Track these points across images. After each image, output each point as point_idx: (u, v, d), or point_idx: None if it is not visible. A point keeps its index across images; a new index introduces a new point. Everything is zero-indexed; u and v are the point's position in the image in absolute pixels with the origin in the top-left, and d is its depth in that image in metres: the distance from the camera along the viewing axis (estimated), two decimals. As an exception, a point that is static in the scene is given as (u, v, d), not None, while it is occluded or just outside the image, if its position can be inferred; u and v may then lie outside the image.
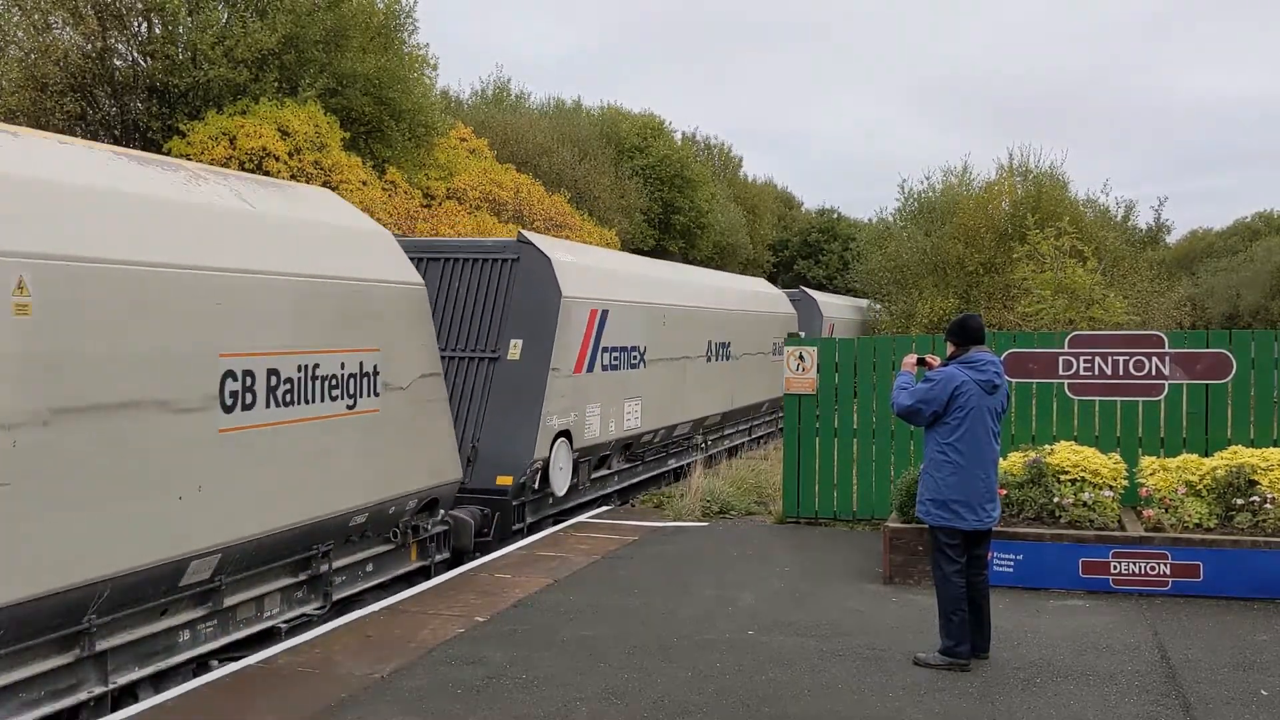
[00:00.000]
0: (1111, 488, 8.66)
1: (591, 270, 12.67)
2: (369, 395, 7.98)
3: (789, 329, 20.09)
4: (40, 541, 5.34)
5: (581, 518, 11.68)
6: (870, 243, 32.48)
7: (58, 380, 5.44)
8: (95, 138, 19.33)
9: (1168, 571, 8.09)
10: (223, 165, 17.46)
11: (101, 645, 5.88)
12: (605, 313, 12.31)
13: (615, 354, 12.73)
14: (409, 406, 8.55)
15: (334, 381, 7.57)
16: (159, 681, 6.32)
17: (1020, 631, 7.17)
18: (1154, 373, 9.96)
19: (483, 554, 9.69)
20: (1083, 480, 8.65)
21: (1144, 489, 8.78)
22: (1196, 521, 8.36)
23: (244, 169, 17.84)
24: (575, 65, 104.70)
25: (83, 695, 5.80)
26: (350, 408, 7.76)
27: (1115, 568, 8.16)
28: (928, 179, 37.69)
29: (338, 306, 7.69)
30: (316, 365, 7.39)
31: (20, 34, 19.47)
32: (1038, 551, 8.28)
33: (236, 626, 6.97)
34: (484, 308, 11.27)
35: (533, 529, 10.88)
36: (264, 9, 20.10)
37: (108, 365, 5.74)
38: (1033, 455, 8.90)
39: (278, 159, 18.66)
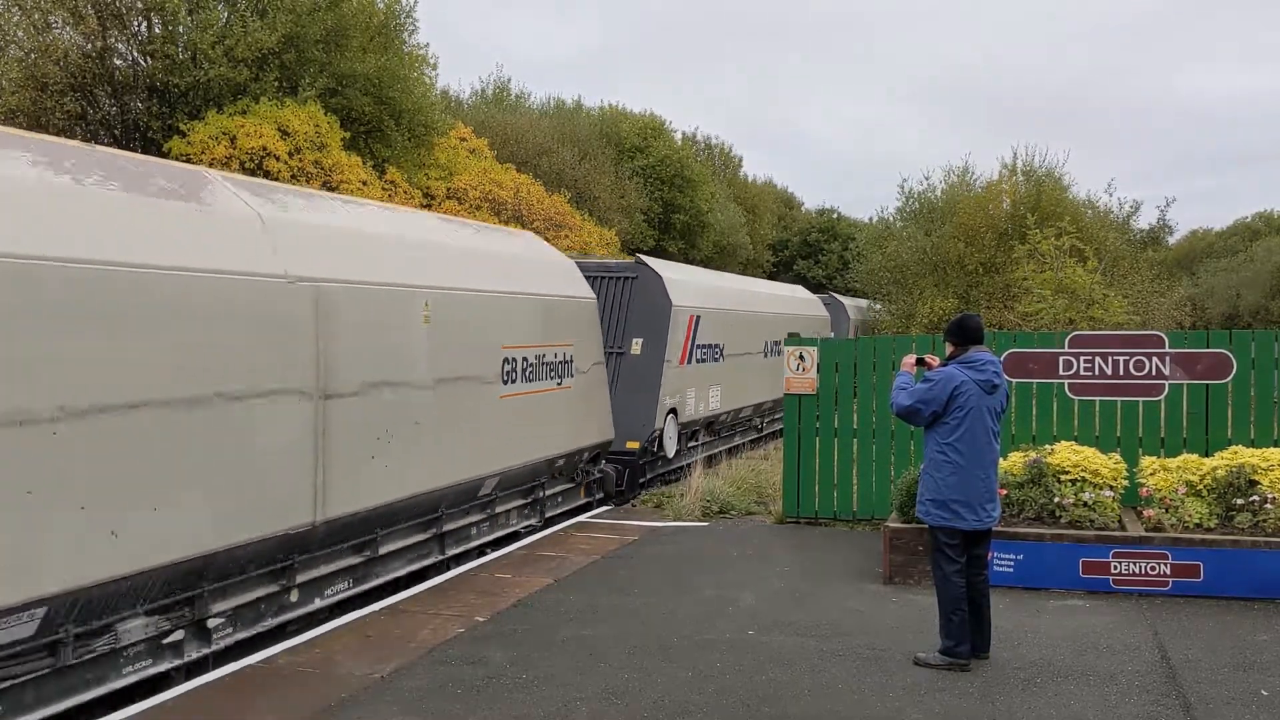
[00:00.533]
0: (1112, 488, 8.66)
1: (689, 284, 16.13)
2: (568, 376, 11.27)
3: (824, 330, 23.86)
4: (418, 463, 8.46)
5: (582, 518, 11.68)
6: (870, 242, 32.48)
7: (439, 360, 8.77)
8: (95, 137, 19.33)
9: (1168, 571, 8.09)
10: (223, 165, 17.47)
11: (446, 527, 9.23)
12: (699, 318, 15.55)
13: (704, 350, 15.93)
14: (587, 385, 11.78)
15: (552, 367, 10.87)
16: (460, 559, 9.47)
17: (1020, 631, 7.17)
18: (1154, 373, 9.96)
19: (619, 502, 12.70)
20: (1083, 480, 8.65)
21: (1144, 489, 8.78)
22: (1197, 521, 8.36)
23: (244, 169, 17.84)
24: (577, 66, 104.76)
25: (433, 559, 9.09)
26: (558, 385, 11.02)
27: (1115, 568, 8.16)
28: (928, 179, 37.72)
29: (551, 315, 10.93)
30: (542, 355, 10.68)
31: (20, 34, 19.48)
32: (1038, 551, 8.28)
33: (500, 526, 10.31)
34: (614, 314, 14.33)
35: (651, 483, 13.90)
36: (264, 9, 20.10)
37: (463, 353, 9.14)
38: (1033, 455, 8.90)
39: (277, 158, 18.66)
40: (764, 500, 12.25)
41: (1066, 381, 10.15)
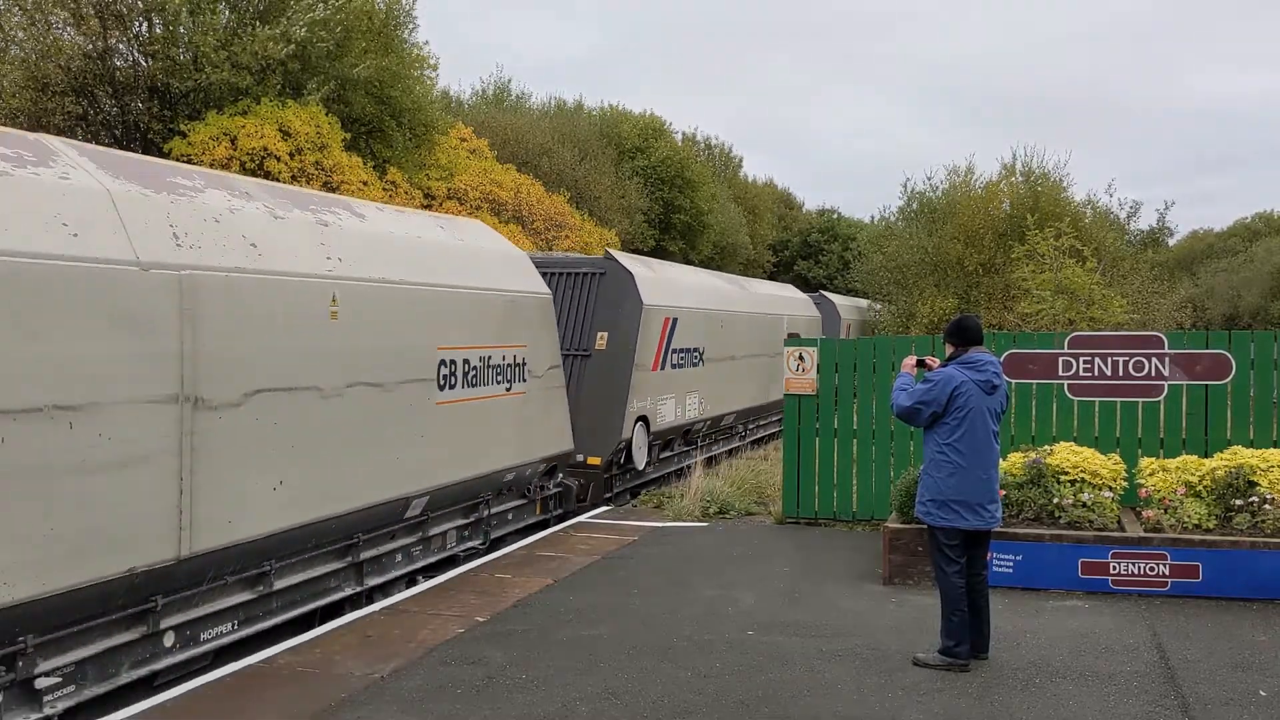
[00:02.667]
0: (1111, 488, 8.67)
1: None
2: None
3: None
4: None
5: (582, 518, 11.69)
6: (871, 242, 32.50)
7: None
8: (96, 138, 19.34)
9: (1167, 572, 8.10)
10: (223, 166, 17.48)
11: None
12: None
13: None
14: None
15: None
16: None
17: (1019, 632, 7.18)
18: (1153, 373, 9.97)
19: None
20: (1082, 481, 8.66)
21: (1143, 490, 8.79)
22: (1196, 522, 8.36)
23: (245, 169, 17.85)
24: (578, 67, 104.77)
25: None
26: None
27: (1114, 568, 8.17)
28: (929, 179, 37.72)
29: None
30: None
31: (21, 35, 19.49)
32: (1037, 552, 8.29)
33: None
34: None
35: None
36: (266, 13, 20.09)
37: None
38: (1032, 456, 8.90)
39: (278, 159, 18.67)
40: (764, 500, 12.26)
41: (1066, 382, 10.16)
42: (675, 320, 14.58)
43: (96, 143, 18.08)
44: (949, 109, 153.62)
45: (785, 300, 23.06)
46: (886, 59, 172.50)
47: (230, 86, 19.17)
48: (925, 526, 6.80)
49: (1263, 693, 6.03)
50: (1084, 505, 8.51)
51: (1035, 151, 37.22)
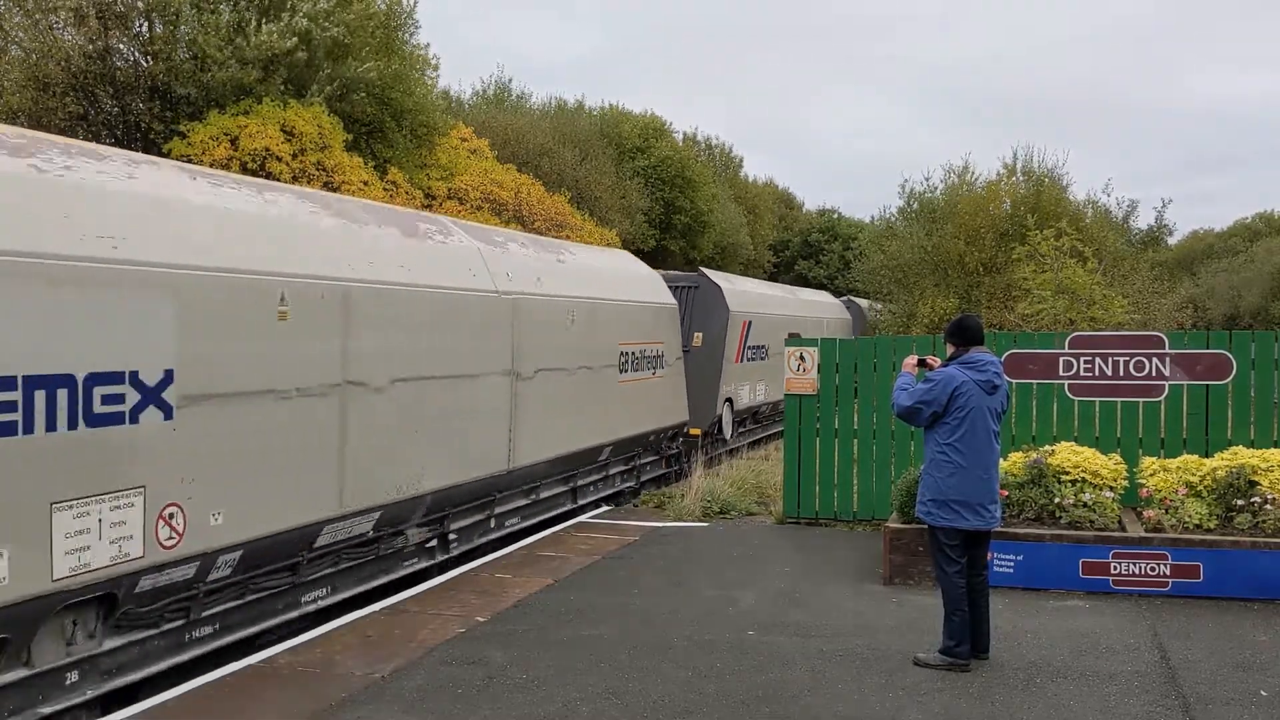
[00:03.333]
0: (1112, 488, 8.66)
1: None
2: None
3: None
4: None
5: (582, 518, 11.69)
6: (872, 242, 32.48)
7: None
8: (97, 138, 19.34)
9: (1167, 572, 8.10)
10: (224, 166, 17.46)
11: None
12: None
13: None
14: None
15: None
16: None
17: (1020, 632, 7.18)
18: (1154, 373, 9.97)
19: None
20: (1083, 481, 8.65)
21: (1144, 490, 8.78)
22: (1196, 522, 8.36)
23: (246, 170, 17.84)
24: (580, 68, 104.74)
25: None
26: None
27: (1115, 568, 8.17)
28: (928, 179, 37.70)
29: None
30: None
31: (22, 34, 19.49)
32: (1038, 552, 8.29)
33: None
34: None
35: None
36: (269, 9, 20.09)
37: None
38: (1033, 456, 8.90)
39: (280, 159, 18.66)
40: (764, 500, 12.26)
41: (1066, 382, 10.15)
42: (751, 323, 18.46)
43: (97, 142, 18.16)
44: (949, 109, 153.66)
45: (825, 305, 27.88)
46: (887, 60, 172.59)
47: (236, 84, 19.15)
48: (926, 526, 6.79)
49: (1263, 693, 6.03)
50: (1085, 505, 8.51)
51: (1035, 151, 37.18)
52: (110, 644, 5.97)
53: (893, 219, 30.54)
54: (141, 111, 20.06)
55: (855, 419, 11.03)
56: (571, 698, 5.93)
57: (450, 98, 34.68)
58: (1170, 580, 8.09)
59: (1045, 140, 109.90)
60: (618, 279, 13.33)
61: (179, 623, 6.43)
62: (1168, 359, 9.95)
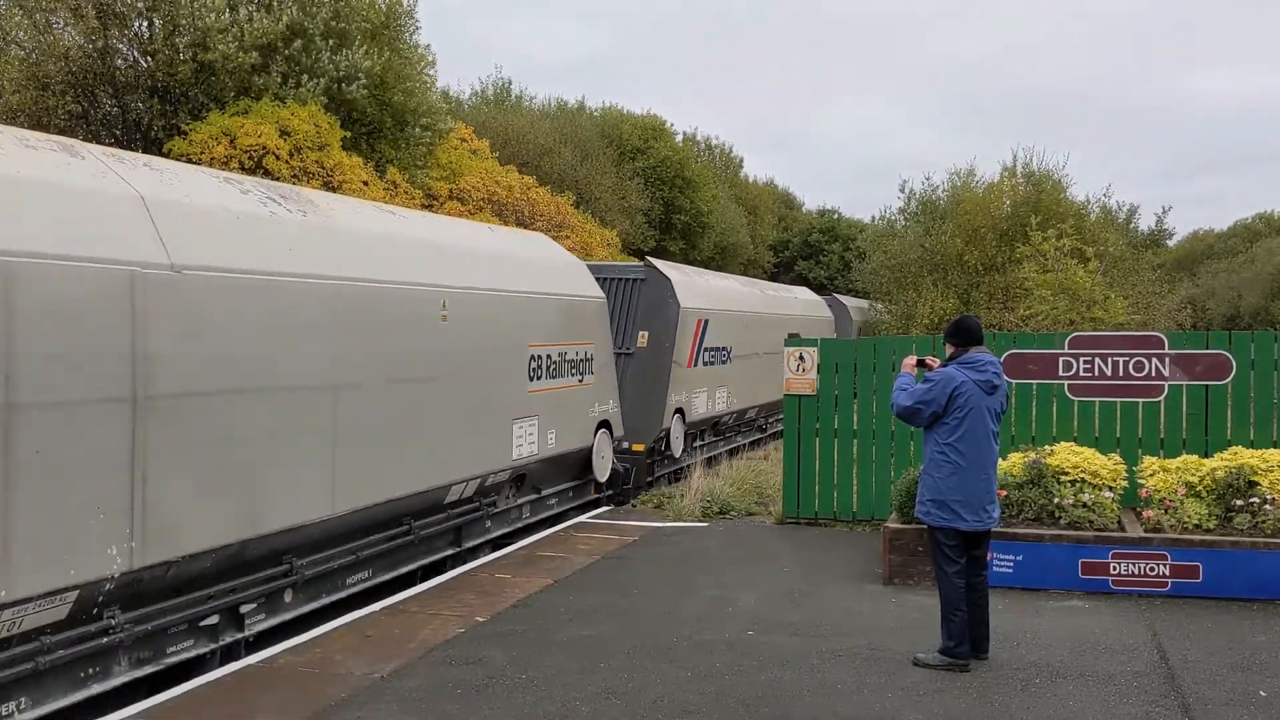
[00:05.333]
0: (1111, 489, 8.66)
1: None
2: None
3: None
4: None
5: (582, 518, 11.69)
6: (872, 242, 32.48)
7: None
8: (97, 137, 19.34)
9: (1167, 572, 8.10)
10: (223, 164, 17.47)
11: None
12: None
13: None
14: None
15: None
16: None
17: (1019, 632, 7.18)
18: (1154, 374, 9.97)
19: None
20: (1082, 481, 8.66)
21: (1144, 490, 8.79)
22: (1196, 522, 8.36)
23: (243, 168, 17.84)
24: (582, 69, 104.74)
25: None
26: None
27: (1115, 568, 8.17)
28: (928, 179, 37.71)
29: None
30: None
31: (22, 34, 19.50)
32: (1037, 552, 8.29)
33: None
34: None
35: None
36: (268, 2, 20.10)
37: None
38: (1033, 456, 8.90)
39: (278, 157, 18.67)
40: (764, 501, 12.26)
41: (1066, 382, 10.15)
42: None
43: (98, 142, 18.18)
44: (950, 110, 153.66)
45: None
46: (888, 60, 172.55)
47: (234, 66, 19.13)
48: (925, 526, 6.80)
49: (1263, 693, 6.03)
50: (1084, 505, 8.51)
51: (1035, 153, 37.17)
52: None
53: (893, 219, 30.54)
54: (141, 111, 20.06)
55: (855, 419, 11.03)
56: (571, 698, 5.93)
57: (450, 98, 34.67)
58: (1170, 580, 8.09)
59: (1045, 140, 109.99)
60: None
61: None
62: (1167, 359, 9.95)
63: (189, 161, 17.40)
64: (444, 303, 8.87)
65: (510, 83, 43.36)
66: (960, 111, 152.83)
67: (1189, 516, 8.39)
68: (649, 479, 13.89)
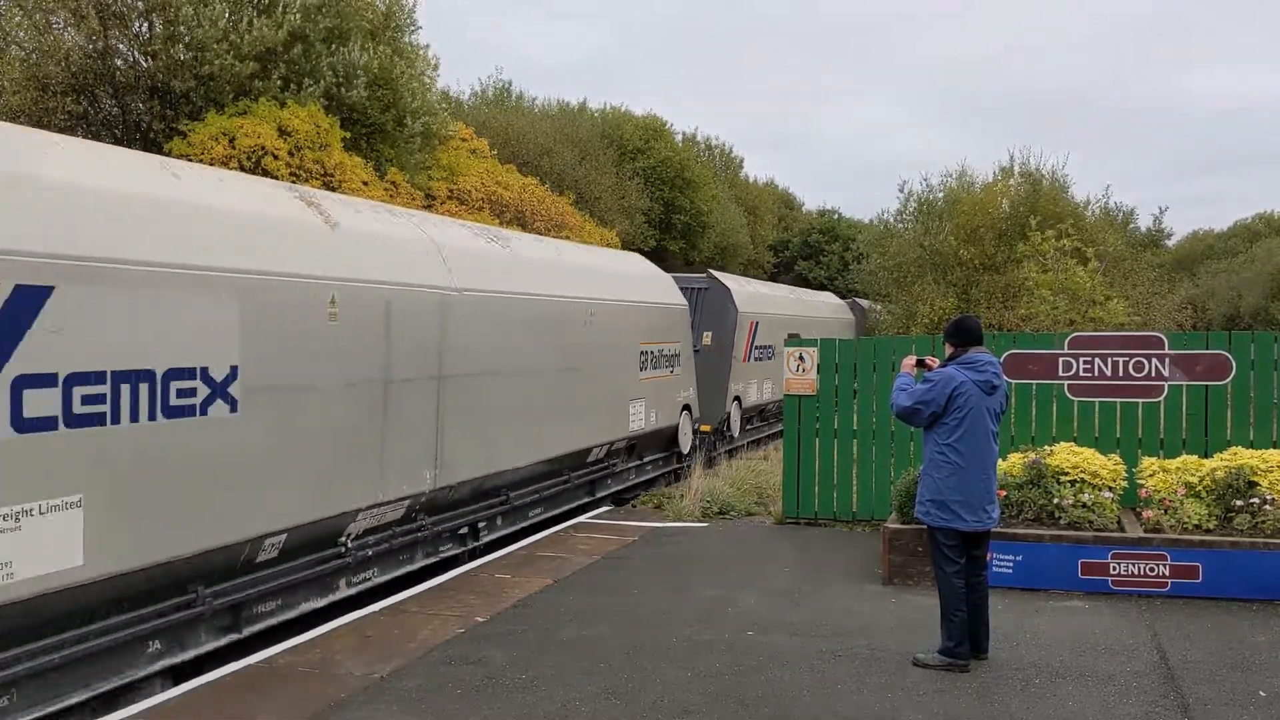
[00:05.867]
0: (1111, 489, 8.67)
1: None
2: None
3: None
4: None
5: (582, 518, 11.69)
6: (871, 243, 32.48)
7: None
8: (97, 137, 19.35)
9: (1167, 573, 8.10)
10: (223, 164, 17.47)
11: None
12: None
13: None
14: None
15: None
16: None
17: (1019, 632, 7.18)
18: (1153, 374, 9.97)
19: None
20: (1082, 481, 8.66)
21: (1143, 490, 8.79)
22: (1196, 523, 8.36)
23: (242, 168, 17.85)
24: (584, 70, 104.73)
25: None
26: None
27: (1114, 569, 8.17)
28: (926, 179, 37.71)
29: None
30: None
31: (22, 34, 19.50)
32: (1037, 552, 8.29)
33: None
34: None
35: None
36: (267, 6, 20.09)
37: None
38: (1032, 456, 8.90)
39: (277, 157, 18.66)
40: (764, 501, 12.26)
41: (1066, 382, 10.16)
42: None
43: (99, 141, 18.13)
44: (950, 110, 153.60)
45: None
46: (888, 61, 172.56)
47: (233, 77, 19.15)
48: (925, 527, 6.80)
49: (1262, 693, 6.03)
50: (1084, 506, 8.51)
51: (1033, 154, 37.15)
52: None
53: (891, 220, 30.53)
54: (141, 111, 20.06)
55: (855, 419, 11.03)
56: (571, 698, 5.94)
57: (450, 98, 34.66)
58: (1169, 581, 8.10)
59: (1045, 141, 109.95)
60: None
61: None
62: (1167, 359, 9.95)
63: (188, 161, 17.41)
64: (590, 311, 11.69)
65: (511, 83, 43.41)
66: (960, 112, 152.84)
67: (1189, 517, 8.40)
68: (716, 452, 16.74)
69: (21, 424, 5.17)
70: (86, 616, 5.78)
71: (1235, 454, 8.84)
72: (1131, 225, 30.39)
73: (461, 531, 9.54)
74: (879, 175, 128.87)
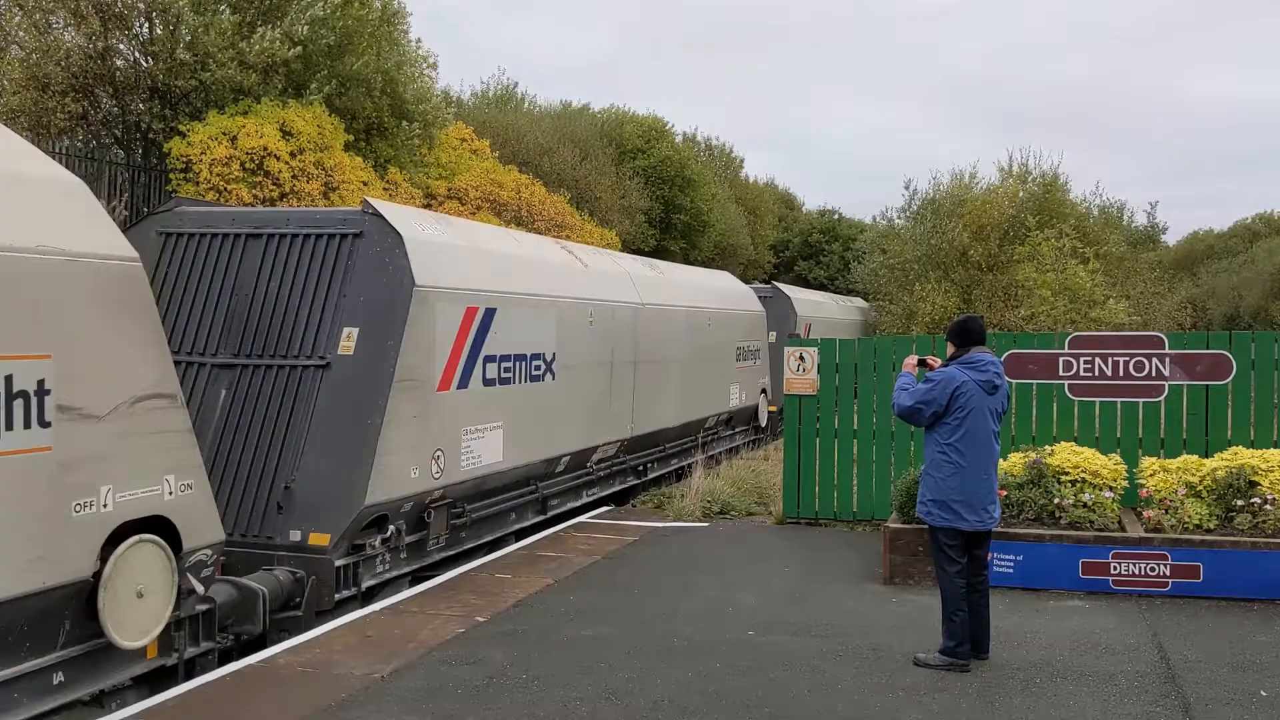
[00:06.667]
0: (1111, 489, 8.66)
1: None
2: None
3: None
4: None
5: (582, 518, 11.68)
6: (872, 244, 32.49)
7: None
8: (97, 138, 19.33)
9: (1167, 572, 8.10)
10: (224, 164, 17.46)
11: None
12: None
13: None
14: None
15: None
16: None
17: (1020, 632, 7.18)
18: (1154, 374, 9.97)
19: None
20: (1083, 481, 8.66)
21: (1144, 490, 8.78)
22: (1196, 522, 8.36)
23: (244, 169, 17.84)
24: (587, 71, 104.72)
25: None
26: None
27: (1115, 568, 8.17)
28: (936, 177, 37.70)
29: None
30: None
31: (22, 34, 19.48)
32: (1038, 552, 8.29)
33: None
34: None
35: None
36: (271, 9, 20.07)
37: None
38: (1033, 456, 8.90)
39: (278, 158, 18.65)
40: (764, 501, 12.25)
41: (1066, 382, 10.15)
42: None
43: (98, 141, 18.17)
44: (950, 110, 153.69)
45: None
46: (888, 61, 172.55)
47: (235, 85, 19.15)
48: (926, 526, 6.79)
49: (1263, 693, 6.03)
50: (1085, 505, 8.51)
51: (1034, 155, 37.18)
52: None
53: (893, 220, 30.52)
54: (142, 111, 20.05)
55: (855, 419, 11.03)
56: (571, 698, 5.93)
57: (450, 98, 34.65)
58: (1170, 580, 8.09)
59: (1046, 141, 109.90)
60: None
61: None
62: (1168, 359, 9.95)
63: (188, 162, 17.38)
64: (709, 318, 15.81)
65: (515, 84, 43.39)
66: (961, 112, 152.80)
67: (1189, 516, 8.39)
68: (755, 438, 18.54)
69: (484, 382, 9.18)
70: (500, 491, 9.93)
71: (1236, 454, 8.83)
72: (1126, 222, 30.34)
73: (639, 468, 13.52)
74: (879, 175, 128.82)
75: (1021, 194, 25.67)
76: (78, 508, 5.35)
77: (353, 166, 20.24)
